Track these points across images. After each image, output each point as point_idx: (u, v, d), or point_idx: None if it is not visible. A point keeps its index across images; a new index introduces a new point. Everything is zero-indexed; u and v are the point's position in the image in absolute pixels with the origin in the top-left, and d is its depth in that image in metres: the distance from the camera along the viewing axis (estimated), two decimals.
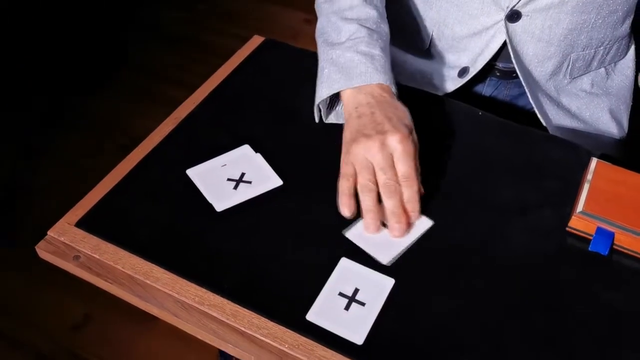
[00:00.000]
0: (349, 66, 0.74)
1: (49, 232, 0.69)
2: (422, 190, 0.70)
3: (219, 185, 0.73)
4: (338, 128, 0.74)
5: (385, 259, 0.66)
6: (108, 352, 1.38)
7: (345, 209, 0.68)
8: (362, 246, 0.67)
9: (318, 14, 0.83)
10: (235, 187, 0.73)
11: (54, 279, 1.45)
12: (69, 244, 0.68)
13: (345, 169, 0.69)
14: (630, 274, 0.66)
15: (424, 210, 0.70)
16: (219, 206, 0.71)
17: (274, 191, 0.73)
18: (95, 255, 0.67)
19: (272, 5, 2.30)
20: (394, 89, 0.74)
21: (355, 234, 0.68)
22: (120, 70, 2.08)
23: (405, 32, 0.94)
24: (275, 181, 0.74)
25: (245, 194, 0.72)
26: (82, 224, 0.69)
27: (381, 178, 0.67)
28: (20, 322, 1.45)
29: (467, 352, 0.60)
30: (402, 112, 0.72)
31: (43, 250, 0.68)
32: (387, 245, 0.67)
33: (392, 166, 0.67)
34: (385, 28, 0.80)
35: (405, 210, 0.67)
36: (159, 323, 1.40)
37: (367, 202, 0.67)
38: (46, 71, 2.06)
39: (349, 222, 0.69)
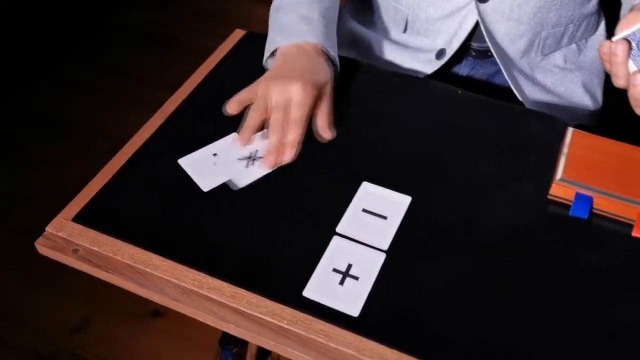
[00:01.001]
0: (287, 26, 0.81)
1: (47, 228, 0.70)
2: (331, 132, 0.76)
3: (210, 171, 0.75)
4: None
5: (384, 244, 0.68)
6: (108, 352, 1.39)
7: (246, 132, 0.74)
8: (357, 238, 0.69)
9: None
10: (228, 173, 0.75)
11: (53, 280, 1.46)
12: (67, 239, 0.69)
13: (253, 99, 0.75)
14: (609, 235, 0.69)
15: (406, 186, 0.73)
16: (206, 186, 0.73)
17: (267, 176, 0.75)
18: (94, 248, 0.68)
19: (252, 3, 2.31)
20: (330, 52, 0.80)
21: (346, 228, 0.70)
22: (104, 75, 2.08)
23: (382, 18, 0.96)
24: None
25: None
26: (79, 218, 0.71)
27: (271, 115, 0.73)
28: (18, 323, 1.45)
29: (457, 319, 0.62)
30: (322, 70, 0.77)
31: (42, 246, 0.69)
32: (381, 231, 0.69)
33: (285, 108, 0.73)
34: None
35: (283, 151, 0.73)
36: (159, 322, 1.41)
37: (249, 120, 0.74)
38: (27, 74, 2.06)
39: (339, 208, 0.71)
